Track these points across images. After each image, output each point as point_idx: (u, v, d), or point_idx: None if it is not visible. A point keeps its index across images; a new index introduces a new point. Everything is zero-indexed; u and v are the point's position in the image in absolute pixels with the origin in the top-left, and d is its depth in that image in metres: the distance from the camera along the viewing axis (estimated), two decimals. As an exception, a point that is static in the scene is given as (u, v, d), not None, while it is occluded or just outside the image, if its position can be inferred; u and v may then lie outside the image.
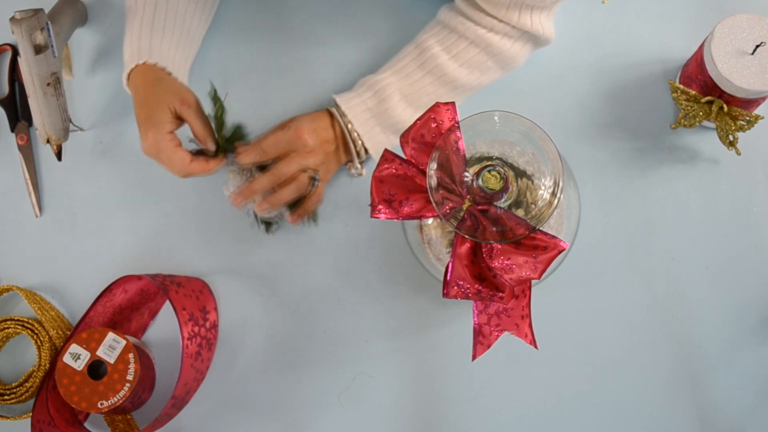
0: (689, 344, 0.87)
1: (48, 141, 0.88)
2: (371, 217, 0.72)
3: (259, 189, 0.85)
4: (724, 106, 0.86)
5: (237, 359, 0.89)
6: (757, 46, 0.84)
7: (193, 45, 0.92)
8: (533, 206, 0.70)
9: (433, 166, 0.69)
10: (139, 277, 0.90)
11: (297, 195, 0.86)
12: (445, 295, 0.71)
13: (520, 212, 0.70)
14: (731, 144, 0.88)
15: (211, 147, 0.85)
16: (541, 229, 0.69)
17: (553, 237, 0.70)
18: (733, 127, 0.87)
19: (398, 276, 0.90)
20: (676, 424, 0.85)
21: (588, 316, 0.88)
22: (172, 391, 0.83)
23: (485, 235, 0.69)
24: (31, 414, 0.86)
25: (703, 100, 0.87)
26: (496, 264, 0.70)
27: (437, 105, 0.72)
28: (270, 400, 0.88)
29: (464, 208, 0.70)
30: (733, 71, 0.83)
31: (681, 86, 0.89)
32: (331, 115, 0.88)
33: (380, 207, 0.72)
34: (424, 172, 0.71)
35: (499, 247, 0.70)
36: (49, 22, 0.85)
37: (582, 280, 0.89)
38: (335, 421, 0.87)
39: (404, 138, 0.72)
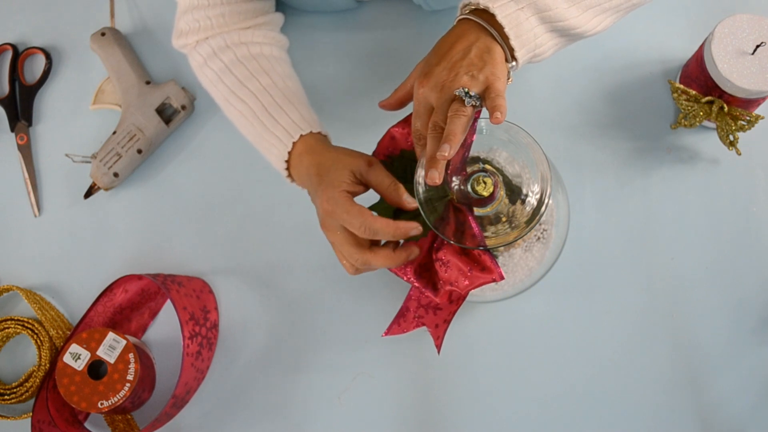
0: (689, 344, 0.87)
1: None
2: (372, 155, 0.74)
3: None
4: (725, 106, 0.86)
5: (237, 359, 0.89)
6: (758, 46, 0.84)
7: (307, 103, 0.83)
8: (514, 218, 0.71)
9: (421, 172, 0.70)
10: (139, 277, 0.90)
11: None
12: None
13: (500, 226, 0.71)
14: (731, 144, 0.88)
15: (412, 203, 0.71)
16: (493, 254, 0.71)
17: (496, 266, 0.71)
18: (734, 127, 0.87)
19: (398, 276, 0.90)
20: (676, 424, 0.85)
21: (587, 316, 0.88)
22: (173, 391, 0.83)
23: (445, 231, 0.69)
24: (31, 414, 0.86)
25: (704, 100, 0.87)
26: (440, 256, 0.72)
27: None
28: (270, 400, 0.88)
29: (447, 198, 0.70)
30: (733, 71, 0.83)
31: (681, 86, 0.89)
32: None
33: (378, 156, 0.75)
34: None
35: (449, 244, 0.72)
36: None
37: (582, 280, 0.89)
38: (335, 421, 0.87)
39: None
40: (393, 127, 0.75)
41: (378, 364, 0.88)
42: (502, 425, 0.86)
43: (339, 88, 0.97)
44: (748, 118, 0.86)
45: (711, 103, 0.87)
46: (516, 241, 0.71)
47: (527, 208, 0.71)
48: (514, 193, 0.72)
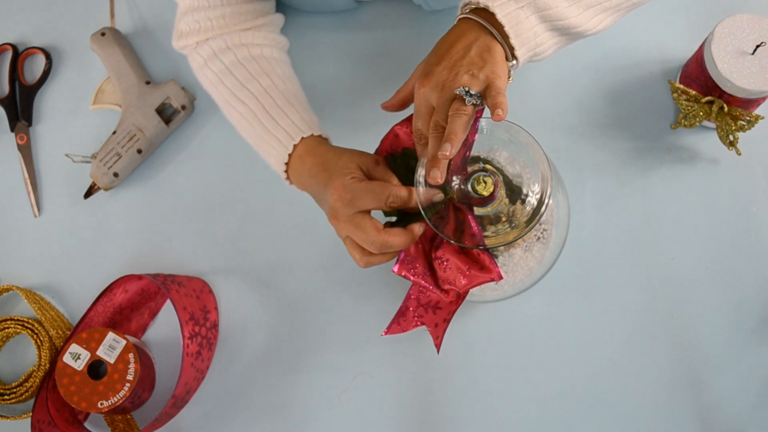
0: (689, 344, 0.87)
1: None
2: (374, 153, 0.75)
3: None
4: (725, 106, 0.86)
5: (237, 359, 0.89)
6: (758, 46, 0.84)
7: (307, 105, 0.83)
8: (514, 218, 0.71)
9: (422, 171, 0.70)
10: (139, 277, 0.90)
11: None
12: (396, 270, 0.73)
13: (500, 226, 0.71)
14: (731, 144, 0.88)
15: (412, 200, 0.72)
16: (492, 254, 0.72)
17: (495, 265, 0.71)
18: (734, 127, 0.87)
19: (398, 276, 0.90)
20: (676, 424, 0.85)
21: (587, 316, 0.88)
22: (173, 391, 0.83)
23: (445, 230, 0.69)
24: (31, 414, 0.86)
25: (704, 100, 0.88)
26: (439, 254, 0.72)
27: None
28: (270, 400, 0.88)
29: (447, 197, 0.70)
30: (733, 71, 0.83)
31: (681, 86, 0.89)
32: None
33: (381, 154, 0.75)
34: None
35: (448, 243, 0.72)
36: None
37: (581, 280, 0.89)
38: (335, 421, 0.87)
39: None
40: (396, 125, 0.75)
41: (378, 364, 0.88)
42: (502, 425, 0.86)
43: (339, 88, 0.97)
44: (748, 118, 0.86)
45: (711, 103, 0.87)
46: (516, 240, 0.71)
47: (527, 207, 0.71)
48: (515, 193, 0.72)
